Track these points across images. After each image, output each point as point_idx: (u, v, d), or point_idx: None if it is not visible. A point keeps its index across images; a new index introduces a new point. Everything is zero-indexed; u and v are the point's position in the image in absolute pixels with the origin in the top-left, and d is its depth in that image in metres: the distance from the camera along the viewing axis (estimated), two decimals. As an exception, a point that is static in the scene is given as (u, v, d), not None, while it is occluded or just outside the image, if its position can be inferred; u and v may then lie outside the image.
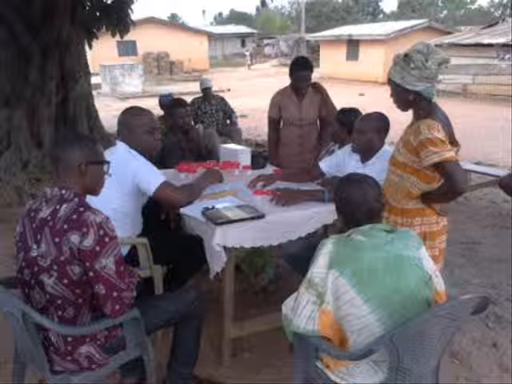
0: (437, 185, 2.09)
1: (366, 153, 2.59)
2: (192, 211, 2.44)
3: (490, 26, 18.82)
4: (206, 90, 5.91)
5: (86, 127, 7.09)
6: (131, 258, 2.34)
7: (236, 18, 59.20)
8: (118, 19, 7.30)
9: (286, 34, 41.40)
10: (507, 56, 15.75)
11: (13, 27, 5.90)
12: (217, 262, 2.24)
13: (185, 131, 3.76)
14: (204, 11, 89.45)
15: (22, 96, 6.12)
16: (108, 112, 10.82)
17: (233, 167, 3.18)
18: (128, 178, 2.36)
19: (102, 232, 1.66)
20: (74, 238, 1.64)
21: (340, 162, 2.78)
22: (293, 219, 2.44)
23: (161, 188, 2.40)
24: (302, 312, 1.64)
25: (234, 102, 6.95)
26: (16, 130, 6.10)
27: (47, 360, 1.75)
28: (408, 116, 2.16)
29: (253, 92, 17.54)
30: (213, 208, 2.40)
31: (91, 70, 8.01)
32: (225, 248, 2.24)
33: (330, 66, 23.96)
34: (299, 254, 2.58)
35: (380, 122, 2.55)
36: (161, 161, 3.20)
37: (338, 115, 3.06)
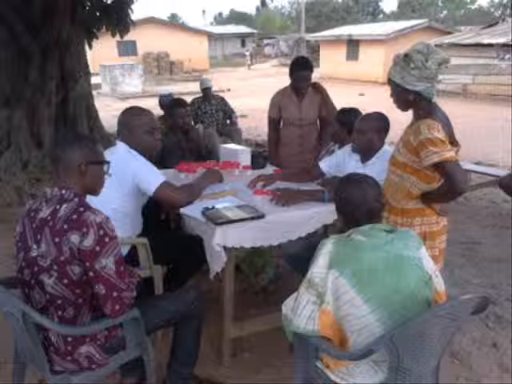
0: (437, 185, 2.09)
1: (366, 153, 2.59)
2: (192, 211, 2.44)
3: (490, 25, 18.82)
4: (205, 90, 5.91)
5: (86, 127, 7.09)
6: (131, 258, 2.34)
7: (236, 18, 59.19)
8: (118, 19, 7.30)
9: (286, 34, 41.40)
10: (507, 56, 15.75)
11: (13, 27, 5.90)
12: (217, 262, 2.24)
13: (185, 131, 3.76)
14: (204, 11, 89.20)
15: (22, 96, 6.12)
16: (108, 112, 10.81)
17: (233, 167, 3.18)
18: (128, 177, 2.36)
19: (101, 232, 1.66)
20: (74, 237, 1.64)
21: (340, 162, 2.78)
22: (293, 219, 2.44)
23: (161, 188, 2.40)
24: (302, 312, 1.64)
25: (233, 102, 6.95)
26: (16, 130, 6.10)
27: (47, 360, 1.75)
28: (408, 116, 2.16)
29: (253, 92, 17.54)
30: (213, 208, 2.40)
31: (91, 70, 8.00)
32: (225, 248, 2.24)
33: (330, 66, 23.96)
34: (299, 254, 2.58)
35: (380, 122, 2.55)
36: (161, 161, 3.20)
37: (337, 115, 3.06)
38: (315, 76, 3.69)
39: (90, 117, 7.31)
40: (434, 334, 1.54)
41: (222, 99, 6.14)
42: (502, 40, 15.93)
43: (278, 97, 3.80)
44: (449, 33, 21.08)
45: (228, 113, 6.10)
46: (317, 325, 1.62)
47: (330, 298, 1.60)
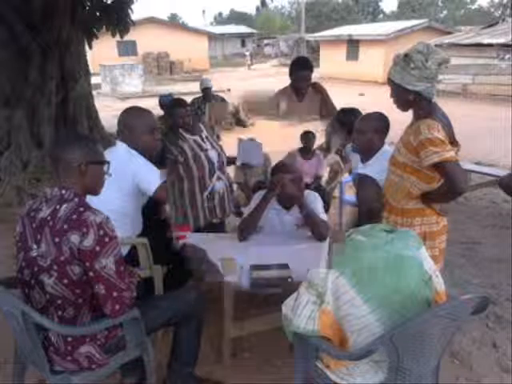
0: (437, 185, 2.08)
1: (366, 153, 2.59)
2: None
3: (490, 25, 18.82)
4: (205, 90, 5.91)
5: (86, 127, 7.09)
6: (131, 258, 2.34)
7: (236, 18, 59.19)
8: (118, 19, 7.29)
9: (286, 34, 41.41)
10: (507, 56, 15.75)
11: (13, 27, 5.90)
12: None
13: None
14: (204, 11, 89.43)
15: (22, 96, 6.12)
16: (108, 112, 10.79)
17: None
18: (128, 177, 2.36)
19: (101, 232, 1.66)
20: (74, 237, 1.64)
21: (340, 162, 2.78)
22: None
23: (161, 188, 2.40)
24: (302, 312, 1.64)
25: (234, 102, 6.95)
26: (16, 129, 6.10)
27: (47, 360, 1.75)
28: (408, 116, 2.16)
29: (253, 92, 17.51)
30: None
31: (91, 70, 8.00)
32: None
33: (329, 66, 23.95)
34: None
35: (380, 122, 2.55)
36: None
37: (337, 115, 3.06)
38: (315, 76, 3.69)
39: (89, 117, 7.31)
40: (434, 334, 1.54)
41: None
42: (502, 40, 15.93)
43: (278, 97, 3.80)
44: (449, 33, 21.08)
45: (228, 113, 6.11)
46: (317, 325, 1.62)
47: (330, 298, 1.60)
